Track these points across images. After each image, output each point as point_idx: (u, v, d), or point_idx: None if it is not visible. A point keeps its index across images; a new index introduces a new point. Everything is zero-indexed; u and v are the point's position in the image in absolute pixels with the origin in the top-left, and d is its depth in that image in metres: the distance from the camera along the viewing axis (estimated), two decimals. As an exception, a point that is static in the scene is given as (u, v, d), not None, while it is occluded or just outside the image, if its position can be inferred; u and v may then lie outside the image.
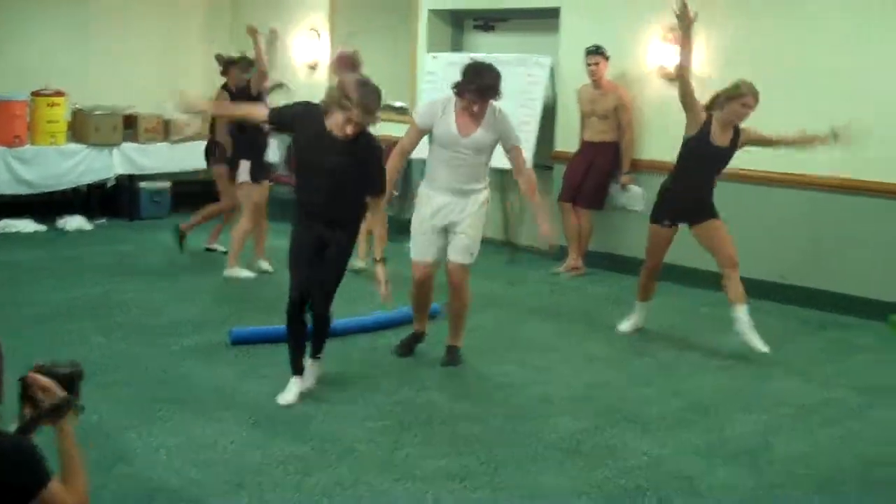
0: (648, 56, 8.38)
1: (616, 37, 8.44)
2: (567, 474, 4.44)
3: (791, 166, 7.46)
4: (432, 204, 5.70)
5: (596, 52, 8.34)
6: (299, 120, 5.12)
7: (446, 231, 5.72)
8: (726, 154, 6.24)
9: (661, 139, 8.29)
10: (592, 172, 8.52)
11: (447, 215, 5.68)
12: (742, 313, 6.21)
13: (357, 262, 7.70)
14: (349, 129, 4.91)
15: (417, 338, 6.10)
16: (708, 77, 7.29)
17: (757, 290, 7.60)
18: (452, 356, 5.93)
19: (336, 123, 4.97)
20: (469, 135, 5.58)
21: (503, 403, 5.34)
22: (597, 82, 8.41)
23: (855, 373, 6.02)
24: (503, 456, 4.61)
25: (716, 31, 7.83)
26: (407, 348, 6.07)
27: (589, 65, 8.35)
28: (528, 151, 8.61)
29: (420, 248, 5.79)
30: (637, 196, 8.42)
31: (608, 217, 8.66)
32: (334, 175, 5.01)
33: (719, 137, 6.16)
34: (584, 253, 8.63)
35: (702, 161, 6.26)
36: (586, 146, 8.58)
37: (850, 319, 7.19)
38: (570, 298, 7.77)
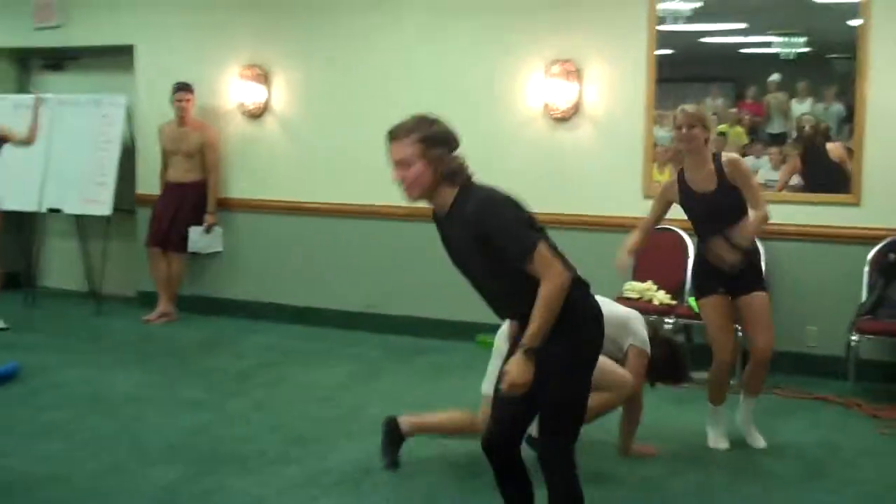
0: (230, 93, 8.26)
1: (195, 73, 8.25)
2: (163, 526, 4.14)
3: (365, 198, 7.74)
4: None
5: (185, 88, 8.10)
6: None
7: None
8: (718, 200, 4.95)
9: (247, 177, 8.24)
10: (181, 214, 8.22)
11: None
12: (751, 405, 5.24)
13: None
14: None
15: None
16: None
17: (347, 322, 7.77)
18: None
19: None
20: None
21: (91, 460, 4.91)
22: (182, 119, 8.16)
23: (448, 393, 6.18)
24: (92, 516, 4.22)
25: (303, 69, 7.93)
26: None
27: (178, 101, 8.09)
28: (106, 195, 8.25)
29: None
30: (218, 237, 8.25)
31: (198, 259, 8.41)
32: None
33: (697, 182, 5.03)
34: (174, 298, 8.30)
35: (695, 214, 5.13)
36: (172, 187, 8.27)
37: (441, 343, 7.44)
38: (160, 346, 7.42)
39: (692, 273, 5.35)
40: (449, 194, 3.50)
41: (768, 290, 5.13)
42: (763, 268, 5.56)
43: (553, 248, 3.43)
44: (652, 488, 4.60)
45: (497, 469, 3.66)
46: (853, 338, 6.02)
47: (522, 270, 3.32)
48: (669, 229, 6.43)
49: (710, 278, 5.02)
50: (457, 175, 3.46)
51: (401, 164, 3.44)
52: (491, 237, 3.38)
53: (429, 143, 3.41)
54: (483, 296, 3.61)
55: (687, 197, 5.02)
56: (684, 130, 4.90)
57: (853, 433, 5.26)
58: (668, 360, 4.84)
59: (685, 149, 4.97)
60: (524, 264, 3.32)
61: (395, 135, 3.45)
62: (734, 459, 4.99)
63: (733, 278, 4.91)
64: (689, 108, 4.96)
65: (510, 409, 3.49)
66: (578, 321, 3.39)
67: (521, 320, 3.39)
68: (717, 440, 5.15)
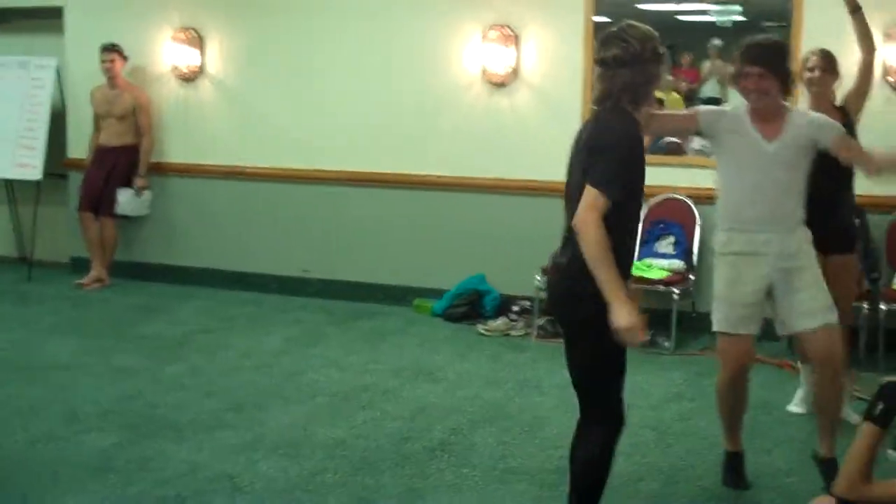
0: (163, 56, 8.13)
1: (126, 36, 8.10)
2: (98, 493, 4.10)
3: (302, 162, 7.73)
4: None
5: (112, 49, 7.96)
6: None
7: None
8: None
9: (182, 142, 8.14)
10: (113, 179, 8.08)
11: None
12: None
13: None
14: None
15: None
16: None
17: (285, 287, 7.75)
18: None
19: None
20: None
21: (22, 429, 4.85)
22: (112, 81, 8.01)
23: (386, 357, 6.20)
24: (27, 484, 4.17)
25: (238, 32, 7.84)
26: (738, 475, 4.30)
27: (104, 62, 7.94)
28: (37, 159, 8.10)
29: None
30: (146, 201, 8.16)
31: (132, 224, 8.30)
32: None
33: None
34: (108, 264, 8.18)
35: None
36: (103, 151, 8.12)
37: (379, 307, 7.45)
38: (94, 312, 7.32)
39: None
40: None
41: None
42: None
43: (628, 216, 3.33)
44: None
45: None
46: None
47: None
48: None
49: None
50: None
51: None
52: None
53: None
54: None
55: None
56: (818, 73, 4.82)
57: (786, 393, 5.36)
58: None
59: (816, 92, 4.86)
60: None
61: None
62: (667, 418, 5.07)
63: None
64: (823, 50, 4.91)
65: None
66: None
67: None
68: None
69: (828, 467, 4.09)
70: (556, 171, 6.85)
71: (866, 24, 4.89)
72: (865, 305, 5.98)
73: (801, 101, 5.27)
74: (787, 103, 4.02)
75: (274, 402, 5.30)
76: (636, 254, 3.47)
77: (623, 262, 3.29)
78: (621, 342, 3.23)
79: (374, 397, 5.40)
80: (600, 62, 3.28)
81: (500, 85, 7.18)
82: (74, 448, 4.59)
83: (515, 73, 7.15)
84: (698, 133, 4.15)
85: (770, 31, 6.77)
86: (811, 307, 3.93)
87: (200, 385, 5.58)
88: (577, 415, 3.45)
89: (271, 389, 5.53)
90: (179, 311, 7.37)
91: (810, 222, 4.02)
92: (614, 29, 3.30)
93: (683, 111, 3.98)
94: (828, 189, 4.43)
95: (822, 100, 4.80)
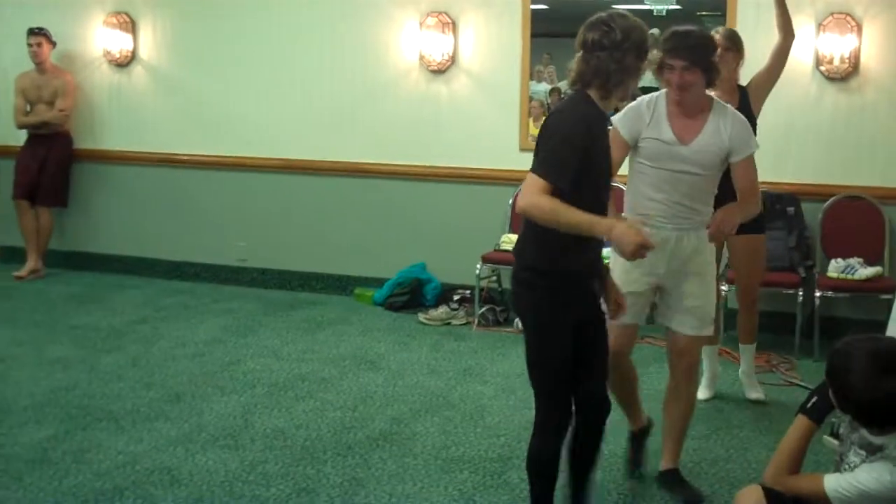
0: (95, 41, 7.98)
1: (56, 20, 7.94)
2: (35, 486, 4.04)
3: (237, 150, 7.67)
4: None
5: (38, 32, 7.80)
6: None
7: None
8: None
9: (115, 128, 8.03)
10: (48, 166, 7.93)
11: None
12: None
13: None
14: None
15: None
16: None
17: (220, 277, 7.69)
18: None
19: None
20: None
21: (-46, 421, 4.75)
22: (40, 66, 7.85)
23: (325, 346, 6.17)
24: (-45, 478, 4.09)
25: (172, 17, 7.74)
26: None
27: (30, 45, 7.78)
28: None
29: None
30: None
31: (66, 213, 8.15)
32: None
33: None
34: (43, 253, 8.02)
35: None
36: (36, 138, 7.95)
37: (318, 296, 7.41)
38: (28, 302, 7.17)
39: None
40: None
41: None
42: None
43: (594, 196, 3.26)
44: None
45: None
46: (723, 288, 6.19)
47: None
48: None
49: None
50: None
51: None
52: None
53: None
54: None
55: None
56: (720, 52, 4.58)
57: (723, 380, 5.43)
58: None
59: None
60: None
61: None
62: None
63: None
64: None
65: None
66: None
67: None
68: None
69: (669, 478, 4.09)
70: (496, 158, 6.95)
71: (786, 9, 5.00)
72: (801, 293, 6.09)
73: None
74: (711, 94, 3.95)
75: (212, 393, 5.25)
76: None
77: (589, 251, 3.27)
78: (560, 337, 3.24)
79: (313, 387, 5.37)
80: (581, 45, 3.24)
81: (438, 72, 7.16)
82: (8, 441, 4.51)
83: (453, 59, 7.13)
84: (633, 147, 3.96)
85: (705, 20, 6.84)
86: (691, 316, 3.92)
87: (138, 376, 5.51)
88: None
89: (208, 379, 5.48)
90: (114, 301, 7.26)
91: (718, 201, 3.96)
92: (603, 14, 3.26)
93: (614, 140, 3.79)
94: None
95: (724, 79, 4.66)
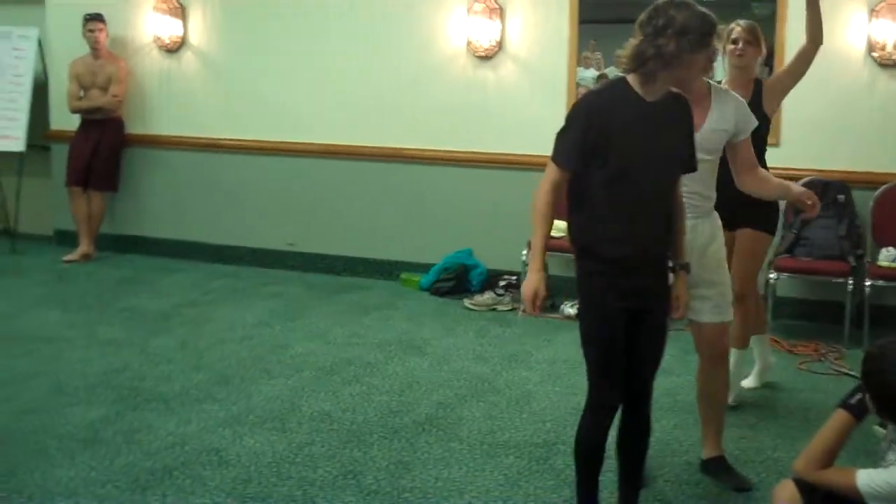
0: (145, 26, 8.07)
1: (108, 6, 8.03)
2: (87, 465, 4.11)
3: (285, 135, 7.72)
4: None
5: (96, 18, 7.91)
6: None
7: None
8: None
9: (165, 113, 8.11)
10: (100, 151, 8.04)
11: None
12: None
13: None
14: None
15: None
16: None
17: (266, 260, 7.76)
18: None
19: None
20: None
21: (8, 400, 4.84)
22: (96, 52, 7.95)
23: (371, 331, 6.20)
24: (16, 456, 4.18)
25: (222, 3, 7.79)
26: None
27: (90, 32, 7.89)
28: (19, 130, 8.06)
29: None
30: None
31: (116, 197, 8.27)
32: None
33: None
34: (95, 238, 8.14)
35: None
36: (89, 123, 8.06)
37: (364, 281, 7.45)
38: (80, 285, 7.29)
39: None
40: None
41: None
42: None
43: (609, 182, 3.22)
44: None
45: None
46: (771, 276, 6.15)
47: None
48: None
49: None
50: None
51: None
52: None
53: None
54: None
55: None
56: (741, 45, 4.69)
57: (772, 369, 5.40)
58: None
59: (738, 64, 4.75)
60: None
61: None
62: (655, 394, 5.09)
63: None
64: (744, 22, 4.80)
65: None
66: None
67: None
68: None
69: (715, 466, 4.08)
70: (542, 145, 6.86)
71: (819, 14, 4.79)
72: (850, 281, 6.03)
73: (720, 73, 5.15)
74: (707, 80, 3.91)
75: (259, 376, 5.31)
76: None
77: (631, 240, 3.23)
78: (605, 318, 3.26)
79: (359, 371, 5.41)
80: (637, 24, 3.23)
81: (485, 58, 7.16)
82: (62, 420, 4.59)
83: (500, 45, 7.12)
84: None
85: (755, 7, 6.76)
86: (711, 302, 3.88)
87: (186, 358, 5.58)
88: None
89: (256, 363, 5.53)
90: (162, 284, 7.35)
91: (720, 196, 3.93)
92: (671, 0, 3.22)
93: None
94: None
95: (742, 73, 4.70)
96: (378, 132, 7.44)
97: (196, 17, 7.94)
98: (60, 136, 8.31)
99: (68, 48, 8.13)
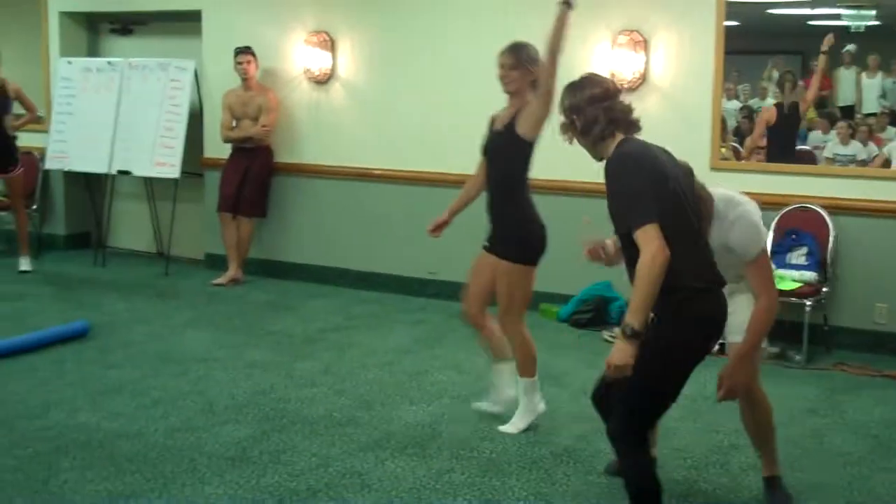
0: (295, 59, 8.33)
1: (260, 39, 8.34)
2: (235, 483, 4.26)
3: (428, 165, 7.84)
4: None
5: (246, 51, 8.21)
6: None
7: None
8: (498, 140, 5.34)
9: (313, 143, 8.33)
10: (250, 178, 8.33)
11: None
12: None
13: None
14: None
15: None
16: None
17: (408, 288, 7.86)
18: None
19: None
20: None
21: (162, 418, 5.05)
22: (246, 83, 8.25)
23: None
24: (168, 471, 4.36)
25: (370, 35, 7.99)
26: None
27: (239, 63, 8.19)
28: (175, 158, 8.39)
29: None
30: None
31: (264, 223, 8.53)
32: None
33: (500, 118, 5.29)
34: (243, 262, 8.42)
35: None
36: (239, 151, 8.37)
37: (502, 310, 7.48)
38: (228, 307, 7.54)
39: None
40: (610, 144, 3.67)
41: None
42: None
43: (687, 230, 3.38)
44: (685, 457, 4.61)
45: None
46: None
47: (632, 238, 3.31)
48: None
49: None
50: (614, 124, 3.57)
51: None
52: (610, 197, 3.46)
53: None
54: None
55: None
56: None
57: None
58: None
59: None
60: (626, 234, 3.36)
61: None
62: (798, 435, 4.98)
63: None
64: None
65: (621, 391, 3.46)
66: (676, 316, 3.36)
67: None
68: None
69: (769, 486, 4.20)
70: (685, 178, 6.84)
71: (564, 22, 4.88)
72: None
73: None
74: None
75: (401, 402, 5.40)
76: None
77: (697, 267, 3.36)
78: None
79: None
80: None
81: (629, 90, 7.14)
82: (211, 438, 4.76)
83: (644, 77, 7.10)
84: None
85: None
86: (741, 327, 3.91)
87: (330, 382, 5.72)
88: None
89: (399, 388, 5.63)
90: (306, 308, 7.55)
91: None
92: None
93: None
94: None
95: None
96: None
97: (345, 51, 8.17)
98: (213, 164, 8.64)
99: (222, 79, 8.46)
